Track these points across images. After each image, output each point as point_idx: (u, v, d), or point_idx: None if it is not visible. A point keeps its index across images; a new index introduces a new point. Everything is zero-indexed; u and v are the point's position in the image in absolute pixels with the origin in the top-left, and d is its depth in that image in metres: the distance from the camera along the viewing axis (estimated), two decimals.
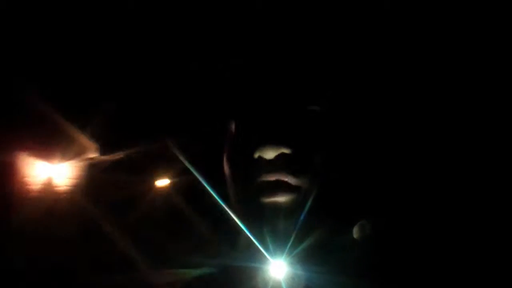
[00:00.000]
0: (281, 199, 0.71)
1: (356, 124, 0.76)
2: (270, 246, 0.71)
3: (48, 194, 0.94)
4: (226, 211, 0.73)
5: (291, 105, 0.74)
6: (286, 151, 0.71)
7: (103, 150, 0.91)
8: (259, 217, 0.73)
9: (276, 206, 0.71)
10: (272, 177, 0.71)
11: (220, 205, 0.74)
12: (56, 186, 0.97)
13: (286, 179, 0.70)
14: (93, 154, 0.94)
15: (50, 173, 0.92)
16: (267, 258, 0.71)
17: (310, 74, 0.75)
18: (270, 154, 0.70)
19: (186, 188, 0.78)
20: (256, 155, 0.72)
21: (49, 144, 0.91)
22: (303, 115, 0.74)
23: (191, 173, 0.76)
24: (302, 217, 0.71)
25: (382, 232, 0.71)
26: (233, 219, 0.73)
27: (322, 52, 0.76)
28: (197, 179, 0.74)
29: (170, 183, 0.82)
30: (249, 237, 0.72)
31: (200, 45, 0.85)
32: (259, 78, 0.75)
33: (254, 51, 0.77)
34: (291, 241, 0.71)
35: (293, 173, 0.71)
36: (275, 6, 0.77)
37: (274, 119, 0.72)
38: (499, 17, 0.82)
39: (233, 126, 0.77)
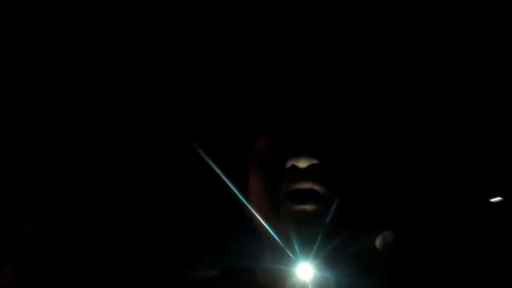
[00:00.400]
0: (310, 207, 0.75)
1: (380, 137, 0.81)
2: (297, 250, 0.74)
3: None
4: (256, 216, 0.77)
5: (321, 118, 0.79)
6: (317, 162, 0.76)
7: None
8: (287, 223, 0.76)
9: (305, 214, 0.75)
10: (304, 185, 0.75)
11: (249, 210, 0.78)
12: None
13: (316, 188, 0.75)
14: None
15: None
16: (294, 261, 0.74)
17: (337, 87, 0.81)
18: (303, 163, 0.76)
19: (213, 192, 0.82)
20: (289, 164, 0.77)
21: None
22: (332, 128, 0.79)
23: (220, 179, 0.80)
24: (328, 223, 0.75)
25: (404, 244, 0.74)
26: (262, 224, 0.77)
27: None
28: (227, 185, 0.79)
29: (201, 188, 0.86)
30: (277, 241, 0.75)
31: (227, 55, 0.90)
32: (291, 92, 0.81)
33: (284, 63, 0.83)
34: (317, 245, 0.74)
35: (322, 183, 0.75)
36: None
37: (307, 132, 0.78)
38: (499, 17, 0.86)
39: (263, 138, 0.82)
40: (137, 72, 0.91)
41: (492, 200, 0.81)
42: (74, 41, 0.92)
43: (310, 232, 0.75)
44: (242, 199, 0.78)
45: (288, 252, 0.74)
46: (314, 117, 0.80)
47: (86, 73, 0.93)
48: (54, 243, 0.80)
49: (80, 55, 0.93)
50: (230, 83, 0.90)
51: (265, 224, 0.76)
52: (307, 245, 0.74)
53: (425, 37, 0.86)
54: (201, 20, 0.89)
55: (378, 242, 0.76)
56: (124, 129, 0.91)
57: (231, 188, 0.78)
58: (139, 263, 0.82)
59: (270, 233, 0.76)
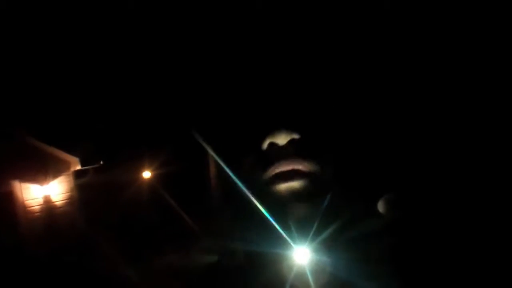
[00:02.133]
0: (296, 184, 0.72)
1: (364, 105, 0.78)
2: (294, 233, 0.72)
3: (46, 210, 0.98)
4: (250, 199, 0.74)
5: (297, 91, 0.76)
6: (297, 136, 0.72)
7: (84, 162, 0.93)
8: (279, 204, 0.73)
9: (292, 191, 0.72)
10: (285, 167, 0.72)
11: (244, 193, 0.75)
12: (52, 202, 1.02)
13: (299, 167, 0.72)
14: (76, 167, 0.96)
15: (44, 192, 1.00)
16: (291, 245, 0.71)
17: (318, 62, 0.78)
18: (282, 139, 0.72)
19: (208, 177, 0.78)
20: (267, 142, 0.73)
21: (37, 168, 0.95)
22: (310, 101, 0.76)
23: (213, 163, 0.77)
24: (322, 203, 0.72)
25: (406, 208, 0.71)
26: (256, 207, 0.74)
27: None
28: (221, 168, 0.75)
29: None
30: (272, 224, 0.73)
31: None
32: (267, 69, 0.78)
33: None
34: (314, 227, 0.72)
35: (306, 159, 0.72)
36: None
37: (283, 107, 0.74)
38: (499, 17, 0.84)
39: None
40: (139, 74, 0.87)
41: None
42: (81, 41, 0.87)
43: (304, 212, 0.73)
44: (238, 183, 0.75)
45: (284, 235, 0.72)
46: (289, 91, 0.76)
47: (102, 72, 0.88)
48: None
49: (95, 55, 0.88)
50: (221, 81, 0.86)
51: (260, 206, 0.73)
52: (304, 226, 0.72)
53: (426, 37, 0.85)
54: (199, 20, 0.86)
55: (380, 205, 0.72)
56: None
57: (226, 172, 0.75)
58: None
59: (266, 215, 0.73)
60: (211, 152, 0.77)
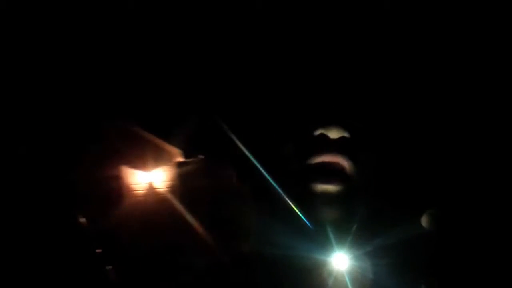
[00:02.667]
0: (332, 188, 0.71)
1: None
2: (332, 238, 0.71)
3: (149, 195, 1.09)
4: (288, 203, 0.74)
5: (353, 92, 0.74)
6: (348, 135, 0.71)
7: (186, 154, 0.99)
8: (313, 207, 0.73)
9: (327, 195, 0.71)
10: (332, 159, 0.71)
11: (283, 197, 0.75)
12: (154, 189, 1.13)
13: (344, 164, 0.70)
14: (179, 158, 1.04)
15: (148, 179, 1.10)
16: (330, 249, 0.70)
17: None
18: (334, 133, 0.71)
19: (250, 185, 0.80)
20: (319, 132, 0.72)
21: (143, 156, 1.05)
22: (365, 104, 0.74)
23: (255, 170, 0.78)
24: (360, 209, 0.70)
25: (450, 223, 0.67)
26: (295, 212, 0.74)
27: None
28: (260, 173, 0.76)
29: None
30: (310, 228, 0.72)
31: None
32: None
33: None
34: (353, 232, 0.70)
35: (351, 159, 0.70)
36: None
37: (339, 104, 0.74)
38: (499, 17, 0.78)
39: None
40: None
41: None
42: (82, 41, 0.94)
43: (338, 216, 0.71)
44: (275, 185, 0.76)
45: (323, 240, 0.71)
46: (345, 90, 0.76)
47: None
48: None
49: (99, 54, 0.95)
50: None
51: (297, 211, 0.74)
52: (341, 231, 0.71)
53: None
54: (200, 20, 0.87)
55: (424, 220, 0.69)
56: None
57: (261, 173, 0.76)
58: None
59: (303, 219, 0.73)
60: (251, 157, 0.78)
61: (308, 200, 0.72)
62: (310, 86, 0.77)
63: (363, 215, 0.69)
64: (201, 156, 0.98)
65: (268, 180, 0.75)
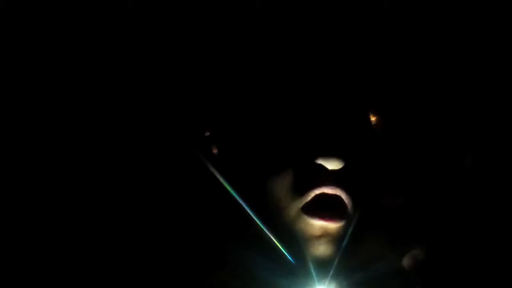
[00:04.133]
0: (332, 225, 0.67)
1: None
2: (313, 272, 0.69)
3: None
4: (268, 235, 0.72)
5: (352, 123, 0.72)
6: (347, 168, 0.67)
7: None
8: (302, 241, 0.70)
9: (325, 232, 0.68)
10: (331, 191, 0.66)
11: (262, 230, 0.72)
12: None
13: (343, 197, 0.67)
14: None
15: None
16: (310, 284, 0.69)
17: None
18: (334, 165, 0.66)
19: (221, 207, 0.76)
20: (317, 162, 0.67)
21: None
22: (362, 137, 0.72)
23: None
24: (346, 243, 0.68)
25: (436, 265, 0.65)
26: (274, 244, 0.71)
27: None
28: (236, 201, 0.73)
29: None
30: (291, 262, 0.70)
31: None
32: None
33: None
34: (334, 266, 0.68)
35: (350, 193, 0.67)
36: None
37: (339, 133, 0.69)
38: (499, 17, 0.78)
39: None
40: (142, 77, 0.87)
41: None
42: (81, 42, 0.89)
43: (328, 253, 0.69)
44: (252, 214, 0.72)
45: (302, 275, 0.69)
46: (346, 121, 0.72)
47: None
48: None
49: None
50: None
51: (277, 243, 0.71)
52: (323, 266, 0.69)
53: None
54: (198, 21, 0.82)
55: (406, 262, 0.67)
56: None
57: (239, 202, 0.73)
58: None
59: (283, 253, 0.70)
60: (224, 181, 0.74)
61: (296, 234, 0.69)
62: (308, 114, 0.73)
63: (350, 248, 0.67)
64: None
65: (250, 213, 0.72)
